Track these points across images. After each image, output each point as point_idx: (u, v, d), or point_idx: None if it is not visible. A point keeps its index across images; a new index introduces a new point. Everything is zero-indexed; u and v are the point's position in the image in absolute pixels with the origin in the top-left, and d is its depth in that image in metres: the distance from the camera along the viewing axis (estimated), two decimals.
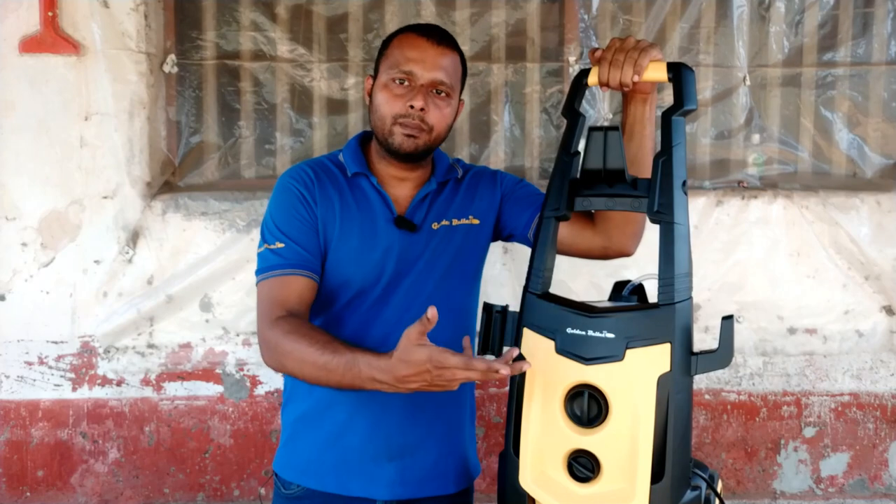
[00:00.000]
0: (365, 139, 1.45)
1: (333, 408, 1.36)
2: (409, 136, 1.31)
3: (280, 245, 1.31)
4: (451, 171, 1.45)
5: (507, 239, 1.49)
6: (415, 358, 1.02)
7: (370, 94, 1.38)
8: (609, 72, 1.15)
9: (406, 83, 1.31)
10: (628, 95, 1.24)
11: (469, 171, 1.49)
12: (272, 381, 2.43)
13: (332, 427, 1.37)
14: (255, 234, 2.36)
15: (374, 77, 1.38)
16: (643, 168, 1.17)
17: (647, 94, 1.23)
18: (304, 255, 1.31)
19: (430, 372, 1.02)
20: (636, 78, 1.13)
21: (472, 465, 1.47)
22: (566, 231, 1.34)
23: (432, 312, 1.02)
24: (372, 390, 1.13)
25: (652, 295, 1.05)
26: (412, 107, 1.29)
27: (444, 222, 1.40)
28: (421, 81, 1.31)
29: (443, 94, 1.33)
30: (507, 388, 1.13)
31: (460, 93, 1.40)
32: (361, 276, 1.35)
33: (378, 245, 1.35)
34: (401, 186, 1.40)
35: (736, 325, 2.42)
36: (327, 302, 1.38)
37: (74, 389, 2.41)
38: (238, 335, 2.41)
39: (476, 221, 1.42)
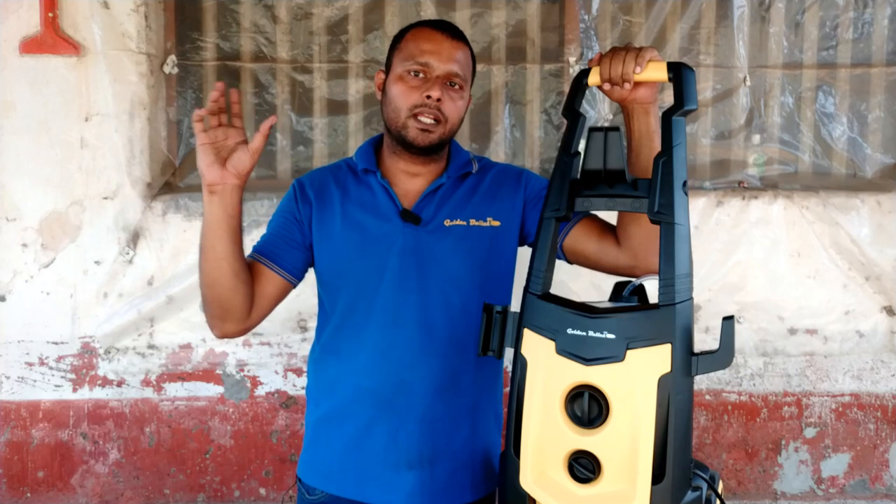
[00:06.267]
0: (379, 141, 1.46)
1: (354, 411, 1.36)
2: (423, 130, 1.32)
3: (263, 234, 1.44)
4: (467, 165, 1.43)
5: (532, 245, 1.47)
6: None
7: (381, 89, 1.39)
8: (611, 66, 1.14)
9: (421, 75, 1.32)
10: (629, 109, 1.22)
11: (493, 168, 1.46)
12: (272, 382, 2.43)
13: (353, 431, 1.36)
14: (255, 235, 2.36)
15: (387, 72, 1.39)
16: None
17: (649, 103, 1.20)
18: (265, 246, 1.39)
19: None
20: (638, 69, 1.12)
21: (497, 470, 1.45)
22: (592, 246, 1.33)
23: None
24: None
25: (652, 295, 1.05)
26: (429, 97, 1.30)
27: (460, 221, 1.37)
28: (437, 73, 1.32)
29: (456, 87, 1.34)
30: (508, 389, 1.13)
31: (470, 87, 1.40)
32: (362, 268, 1.35)
33: (379, 238, 1.35)
34: (412, 181, 1.40)
35: (736, 326, 2.43)
36: (334, 301, 1.38)
37: (75, 390, 2.41)
38: None
39: (496, 223, 1.39)
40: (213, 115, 1.21)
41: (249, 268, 1.35)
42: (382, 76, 1.40)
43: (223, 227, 1.26)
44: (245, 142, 1.24)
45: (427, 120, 1.32)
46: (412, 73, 1.32)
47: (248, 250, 1.38)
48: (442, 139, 1.35)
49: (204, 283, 1.30)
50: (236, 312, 1.32)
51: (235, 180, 1.25)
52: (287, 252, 1.38)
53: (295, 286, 1.40)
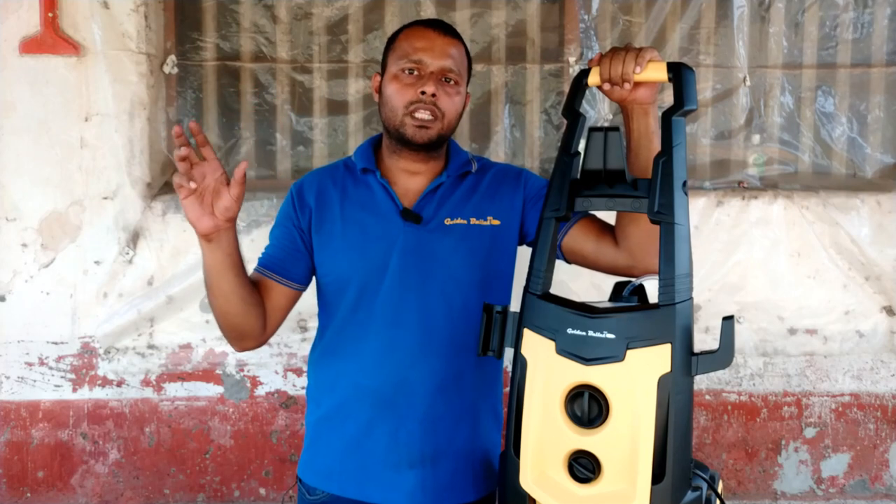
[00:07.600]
0: (378, 141, 1.47)
1: (354, 410, 1.36)
2: (420, 126, 1.32)
3: (267, 244, 1.44)
4: (466, 165, 1.43)
5: (531, 244, 1.47)
6: None
7: (378, 91, 1.40)
8: (610, 66, 1.14)
9: (415, 72, 1.33)
10: (628, 109, 1.22)
11: (492, 168, 1.46)
12: (272, 382, 2.43)
13: (354, 430, 1.37)
14: (255, 235, 2.37)
15: (382, 74, 1.39)
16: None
17: (648, 104, 1.20)
18: (270, 260, 1.40)
19: None
20: (638, 69, 1.12)
21: (497, 469, 1.45)
22: (590, 246, 1.33)
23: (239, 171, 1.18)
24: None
25: (652, 295, 1.05)
26: (423, 93, 1.31)
27: (460, 220, 1.37)
28: (430, 69, 1.32)
29: (451, 82, 1.34)
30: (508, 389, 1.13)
31: (466, 84, 1.41)
32: (364, 268, 1.35)
33: (380, 237, 1.35)
34: (412, 180, 1.40)
35: (736, 326, 2.43)
36: (337, 301, 1.39)
37: (75, 390, 2.41)
38: None
39: (497, 222, 1.39)
40: (183, 160, 1.16)
41: (257, 284, 1.35)
42: (378, 78, 1.41)
43: (225, 266, 1.26)
44: (225, 175, 1.21)
45: (424, 115, 1.32)
46: (406, 72, 1.33)
47: (247, 250, 1.37)
48: (440, 135, 1.35)
49: (216, 314, 1.31)
50: (252, 332, 1.34)
51: (227, 224, 1.24)
52: (293, 263, 1.39)
53: (303, 292, 1.42)
